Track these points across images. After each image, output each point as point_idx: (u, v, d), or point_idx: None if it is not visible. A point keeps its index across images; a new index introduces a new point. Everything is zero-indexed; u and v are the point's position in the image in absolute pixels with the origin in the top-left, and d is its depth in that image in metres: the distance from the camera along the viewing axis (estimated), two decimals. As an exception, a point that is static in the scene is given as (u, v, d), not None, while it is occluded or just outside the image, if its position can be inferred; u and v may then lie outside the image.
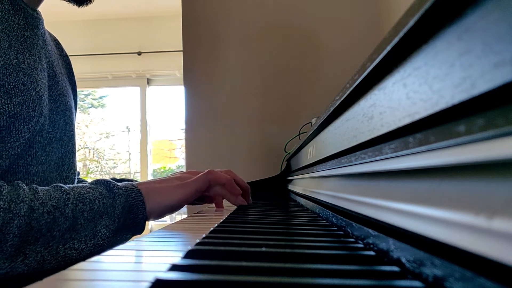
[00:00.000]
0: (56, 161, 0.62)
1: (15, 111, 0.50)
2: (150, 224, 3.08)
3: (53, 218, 0.43)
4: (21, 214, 0.41)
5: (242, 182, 0.70)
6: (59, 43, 0.76)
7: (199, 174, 0.60)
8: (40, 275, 0.41)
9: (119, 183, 0.51)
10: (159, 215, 0.54)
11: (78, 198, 0.46)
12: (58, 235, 0.43)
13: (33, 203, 0.42)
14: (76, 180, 0.69)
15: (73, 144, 0.68)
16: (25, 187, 0.44)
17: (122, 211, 0.48)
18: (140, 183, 0.54)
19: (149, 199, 0.52)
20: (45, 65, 0.62)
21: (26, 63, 0.54)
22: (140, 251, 0.30)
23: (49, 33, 0.71)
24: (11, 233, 0.40)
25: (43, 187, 0.46)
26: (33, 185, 0.46)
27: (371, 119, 0.28)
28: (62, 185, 0.48)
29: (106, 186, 0.50)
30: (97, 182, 0.51)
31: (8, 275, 0.40)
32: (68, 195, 0.46)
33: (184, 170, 0.84)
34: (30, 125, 0.53)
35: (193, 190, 0.57)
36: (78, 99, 0.80)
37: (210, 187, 0.62)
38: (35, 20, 0.61)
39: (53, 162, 0.61)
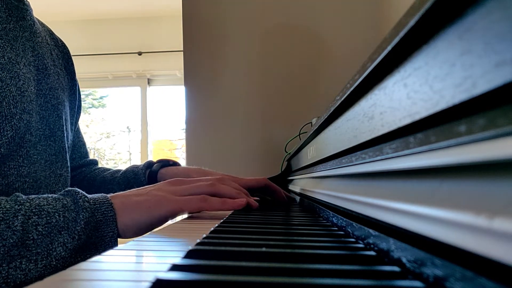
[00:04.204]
0: (48, 158, 0.59)
1: None
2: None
3: None
4: None
5: (238, 186, 0.60)
6: (53, 33, 0.74)
7: (193, 197, 0.51)
8: None
9: (89, 196, 0.45)
10: (136, 233, 0.47)
11: (33, 210, 0.40)
12: (2, 251, 0.36)
13: None
14: (69, 178, 0.66)
15: (66, 140, 0.65)
16: None
17: (85, 228, 0.42)
18: (116, 196, 0.48)
19: (123, 214, 0.45)
20: (31, 58, 0.59)
21: (6, 57, 0.52)
22: (140, 251, 0.30)
23: (42, 24, 0.69)
24: None
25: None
26: None
27: (371, 119, 0.28)
28: (21, 195, 0.42)
29: (73, 198, 0.43)
30: (67, 193, 0.45)
31: None
32: (21, 206, 0.40)
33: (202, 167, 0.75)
34: (13, 123, 0.51)
35: (177, 210, 0.49)
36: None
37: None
38: (21, 11, 0.58)
39: (43, 160, 0.58)
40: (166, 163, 0.75)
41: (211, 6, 1.37)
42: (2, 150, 0.50)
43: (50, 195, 0.43)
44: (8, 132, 0.50)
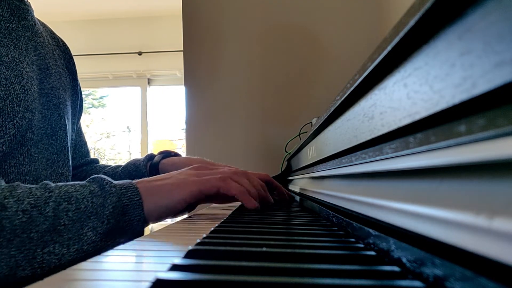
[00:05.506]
0: (50, 157, 0.59)
1: None
2: (151, 225, 3.08)
3: (30, 218, 0.38)
4: None
5: (258, 185, 0.60)
6: (54, 33, 0.74)
7: (212, 177, 0.52)
8: (9, 284, 0.36)
9: (115, 181, 0.46)
10: (158, 217, 0.48)
11: (63, 196, 0.41)
12: (36, 237, 0.38)
13: (6, 200, 0.38)
14: (70, 177, 0.66)
15: (68, 139, 0.65)
16: (2, 184, 0.41)
17: (113, 212, 0.43)
18: (141, 181, 0.49)
19: (146, 199, 0.46)
20: (34, 57, 0.59)
21: (10, 56, 0.53)
22: (140, 251, 0.30)
23: (43, 24, 0.69)
24: None
25: (26, 185, 0.42)
26: (16, 183, 0.42)
27: (371, 119, 0.28)
28: (50, 183, 0.43)
29: (99, 184, 0.45)
30: (93, 180, 0.46)
31: None
32: (51, 193, 0.41)
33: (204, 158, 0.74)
34: (15, 121, 0.51)
35: (196, 191, 0.50)
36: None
37: (218, 193, 0.55)
38: (23, 11, 0.59)
39: (45, 159, 0.58)
40: (168, 154, 0.75)
41: (211, 6, 1.37)
42: (4, 148, 0.50)
43: (76, 182, 0.45)
44: (11, 130, 0.50)
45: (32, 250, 0.38)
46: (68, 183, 0.44)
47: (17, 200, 0.39)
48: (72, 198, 0.42)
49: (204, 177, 0.52)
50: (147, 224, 0.48)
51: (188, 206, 0.51)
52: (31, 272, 0.38)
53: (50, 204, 0.40)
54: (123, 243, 0.44)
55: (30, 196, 0.40)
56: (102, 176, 0.46)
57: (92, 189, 0.44)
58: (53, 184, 0.43)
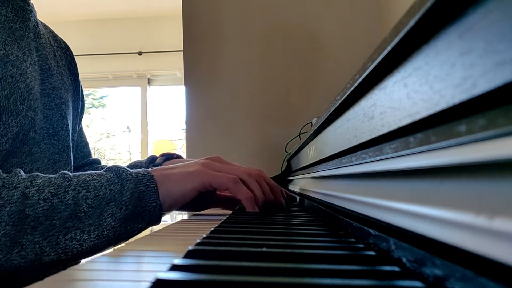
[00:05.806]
0: (52, 157, 0.60)
1: (2, 104, 0.49)
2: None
3: (51, 206, 0.40)
4: (13, 201, 0.39)
5: (269, 190, 0.59)
6: (56, 34, 0.74)
7: (225, 175, 0.52)
8: (36, 269, 0.39)
9: (131, 169, 0.48)
10: (171, 205, 0.49)
11: (81, 185, 0.43)
12: (58, 224, 0.40)
13: (27, 190, 0.40)
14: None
15: (70, 139, 0.65)
16: (23, 174, 0.42)
17: (130, 198, 0.44)
18: (156, 169, 0.50)
19: (160, 187, 0.48)
20: (36, 58, 0.60)
21: (14, 55, 0.53)
22: (140, 251, 0.30)
23: (44, 25, 0.69)
24: (3, 221, 0.37)
25: (45, 175, 0.44)
26: (35, 173, 0.43)
27: (371, 119, 0.28)
28: (68, 172, 0.45)
29: (116, 173, 0.46)
30: (109, 169, 0.47)
31: (3, 269, 0.38)
32: (69, 182, 0.43)
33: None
34: (18, 119, 0.51)
35: (206, 183, 0.50)
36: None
37: (225, 193, 0.56)
38: (26, 12, 0.59)
39: (46, 159, 0.58)
40: (170, 157, 0.75)
41: (211, 6, 1.37)
42: (7, 146, 0.50)
43: (93, 172, 0.46)
44: (14, 128, 0.51)
45: (55, 236, 0.40)
46: (85, 172, 0.46)
47: (38, 189, 0.40)
48: (90, 186, 0.43)
49: (218, 173, 0.52)
50: (162, 211, 0.49)
51: (200, 201, 0.51)
52: (55, 258, 0.40)
53: (70, 192, 0.42)
54: (141, 229, 0.46)
55: (50, 185, 0.41)
56: (119, 165, 0.48)
57: (109, 177, 0.45)
58: (71, 174, 0.44)
